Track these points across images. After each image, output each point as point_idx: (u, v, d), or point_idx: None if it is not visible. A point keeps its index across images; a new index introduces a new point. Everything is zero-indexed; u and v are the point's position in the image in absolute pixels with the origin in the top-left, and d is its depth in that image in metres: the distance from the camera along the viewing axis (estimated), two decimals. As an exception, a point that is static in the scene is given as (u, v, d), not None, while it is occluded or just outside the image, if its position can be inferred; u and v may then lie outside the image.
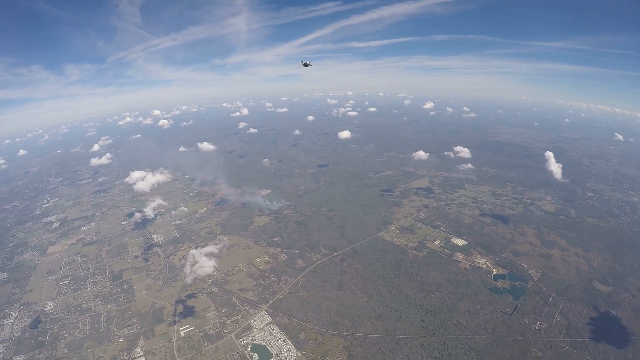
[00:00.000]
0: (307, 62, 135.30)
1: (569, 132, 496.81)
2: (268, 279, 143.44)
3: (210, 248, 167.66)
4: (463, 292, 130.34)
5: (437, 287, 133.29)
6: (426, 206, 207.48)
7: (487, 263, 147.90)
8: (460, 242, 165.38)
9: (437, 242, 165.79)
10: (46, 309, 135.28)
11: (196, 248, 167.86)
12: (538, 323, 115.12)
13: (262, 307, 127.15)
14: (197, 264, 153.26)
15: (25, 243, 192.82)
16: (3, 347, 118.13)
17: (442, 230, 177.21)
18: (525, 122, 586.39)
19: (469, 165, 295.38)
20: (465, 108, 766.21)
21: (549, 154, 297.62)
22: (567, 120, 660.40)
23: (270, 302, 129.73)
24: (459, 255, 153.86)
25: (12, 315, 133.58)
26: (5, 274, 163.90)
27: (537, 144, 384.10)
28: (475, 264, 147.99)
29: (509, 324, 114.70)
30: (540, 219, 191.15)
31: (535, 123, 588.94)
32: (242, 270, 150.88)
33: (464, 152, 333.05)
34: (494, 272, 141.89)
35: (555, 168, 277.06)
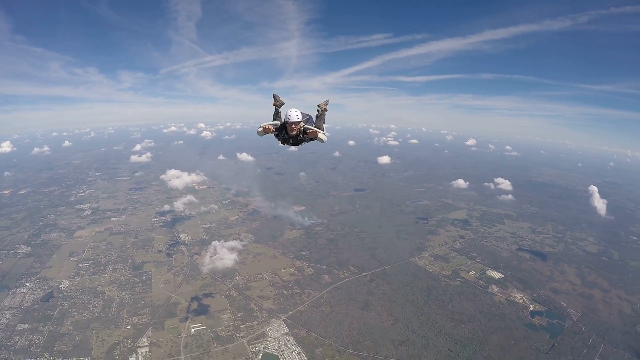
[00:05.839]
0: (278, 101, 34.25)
1: (613, 177, 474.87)
2: (291, 290, 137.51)
3: (234, 243, 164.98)
4: (496, 325, 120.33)
5: (468, 318, 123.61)
6: (462, 237, 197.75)
7: (524, 298, 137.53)
8: (496, 274, 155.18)
9: (471, 273, 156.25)
10: (61, 286, 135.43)
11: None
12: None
13: (280, 317, 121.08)
14: (217, 255, 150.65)
15: (55, 224, 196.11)
16: (10, 313, 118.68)
17: (478, 262, 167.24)
18: (569, 165, 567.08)
19: (510, 196, 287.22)
20: (507, 147, 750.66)
21: (594, 189, 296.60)
22: (611, 164, 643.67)
23: (290, 312, 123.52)
24: (494, 288, 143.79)
25: (26, 286, 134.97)
26: (29, 248, 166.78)
27: (580, 187, 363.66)
28: (511, 298, 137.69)
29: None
30: (582, 259, 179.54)
31: (579, 164, 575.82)
32: (266, 278, 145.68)
33: (505, 184, 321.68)
34: (531, 308, 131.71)
35: (600, 204, 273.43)
